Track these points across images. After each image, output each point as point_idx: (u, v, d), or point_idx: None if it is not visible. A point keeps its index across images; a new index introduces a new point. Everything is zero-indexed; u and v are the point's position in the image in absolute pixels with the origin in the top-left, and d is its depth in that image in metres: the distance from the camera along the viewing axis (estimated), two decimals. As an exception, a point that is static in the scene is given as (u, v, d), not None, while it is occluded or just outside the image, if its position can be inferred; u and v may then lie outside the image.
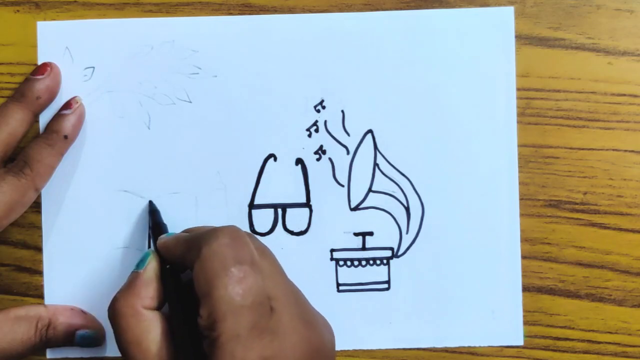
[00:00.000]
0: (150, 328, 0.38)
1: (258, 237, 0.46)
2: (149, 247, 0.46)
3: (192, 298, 0.36)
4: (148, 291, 0.39)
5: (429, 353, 0.46)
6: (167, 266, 0.40)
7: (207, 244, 0.36)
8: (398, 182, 0.46)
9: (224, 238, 0.37)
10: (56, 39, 0.46)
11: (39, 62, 0.45)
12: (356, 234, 0.46)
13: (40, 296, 0.46)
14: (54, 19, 0.46)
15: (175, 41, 0.46)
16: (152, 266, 0.40)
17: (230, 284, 0.35)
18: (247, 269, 0.36)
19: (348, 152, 0.46)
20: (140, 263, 0.40)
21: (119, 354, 0.45)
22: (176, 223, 0.46)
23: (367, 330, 0.46)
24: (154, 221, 0.44)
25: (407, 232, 0.46)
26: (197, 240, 0.37)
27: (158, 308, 0.39)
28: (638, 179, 0.46)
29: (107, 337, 0.45)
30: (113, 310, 0.38)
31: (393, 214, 0.46)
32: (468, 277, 0.46)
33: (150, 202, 0.45)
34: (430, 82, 0.46)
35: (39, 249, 0.46)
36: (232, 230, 0.38)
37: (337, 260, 0.46)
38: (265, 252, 0.39)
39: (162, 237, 0.41)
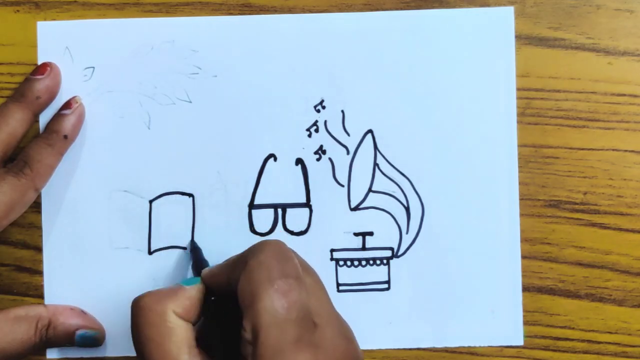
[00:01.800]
0: (175, 332, 0.36)
1: (258, 237, 0.46)
2: (149, 252, 0.46)
3: (233, 328, 0.36)
4: (185, 303, 0.38)
5: (429, 353, 0.46)
6: (213, 298, 0.39)
7: (254, 256, 0.36)
8: (398, 182, 0.46)
9: (270, 251, 0.36)
10: (56, 39, 0.46)
11: (39, 62, 0.45)
12: (356, 234, 0.46)
13: (40, 296, 0.46)
14: (54, 19, 0.46)
15: (175, 41, 0.46)
16: (198, 288, 0.39)
17: (276, 296, 0.35)
18: (293, 282, 0.35)
19: (348, 152, 0.46)
20: (187, 282, 0.39)
21: (119, 354, 0.45)
22: (176, 223, 0.46)
23: (367, 330, 0.46)
24: (196, 258, 0.44)
25: (407, 232, 0.46)
26: (243, 255, 0.37)
27: (189, 321, 0.38)
28: (638, 179, 0.46)
29: (107, 337, 0.45)
30: (139, 303, 0.37)
31: (393, 214, 0.46)
32: (468, 277, 0.46)
33: (193, 241, 0.45)
34: (430, 82, 0.46)
35: (39, 249, 0.46)
36: (278, 243, 0.37)
37: (337, 260, 0.46)
38: (307, 268, 0.38)
39: (207, 269, 0.40)
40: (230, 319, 0.37)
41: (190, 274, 0.45)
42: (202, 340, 0.38)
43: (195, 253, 0.44)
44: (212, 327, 0.38)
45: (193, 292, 0.38)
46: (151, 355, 0.36)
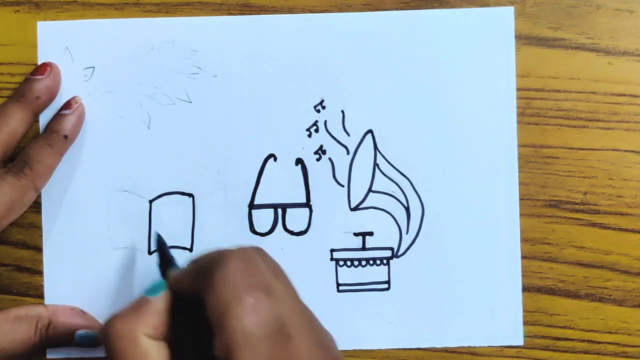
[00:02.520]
0: (147, 356, 0.35)
1: (258, 237, 0.46)
2: (149, 252, 0.46)
3: (203, 331, 0.35)
4: (153, 320, 0.36)
5: (429, 353, 0.46)
6: (179, 302, 0.38)
7: (218, 270, 0.35)
8: (398, 182, 0.46)
9: (235, 263, 0.35)
10: (56, 39, 0.46)
11: (39, 62, 0.45)
12: (356, 234, 0.46)
13: (40, 296, 0.46)
14: (54, 19, 0.46)
15: (175, 41, 0.46)
16: (162, 297, 0.37)
17: (245, 313, 0.34)
18: (262, 296, 0.34)
19: (348, 152, 0.46)
20: (152, 290, 0.38)
21: (119, 354, 0.45)
22: (176, 223, 0.46)
23: (367, 330, 0.46)
24: (162, 254, 0.42)
25: (407, 232, 0.46)
26: (208, 267, 0.36)
27: (160, 339, 0.37)
28: (638, 179, 0.46)
29: (107, 337, 0.45)
30: (110, 330, 0.36)
31: (393, 214, 0.46)
32: (468, 277, 0.46)
33: (158, 235, 0.44)
34: (430, 82, 0.46)
35: (39, 249, 0.46)
36: (243, 253, 0.36)
37: (337, 260, 0.46)
38: (277, 271, 0.38)
39: (174, 273, 0.39)
40: (199, 324, 0.36)
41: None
42: (174, 347, 0.37)
43: (161, 249, 0.43)
44: (182, 334, 0.37)
45: (159, 304, 0.37)
46: None
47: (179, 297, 0.38)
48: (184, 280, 0.38)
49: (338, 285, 0.46)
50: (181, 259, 0.45)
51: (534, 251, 0.46)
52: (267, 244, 0.46)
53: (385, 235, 0.46)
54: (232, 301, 0.34)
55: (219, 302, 0.34)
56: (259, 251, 0.38)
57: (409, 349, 0.46)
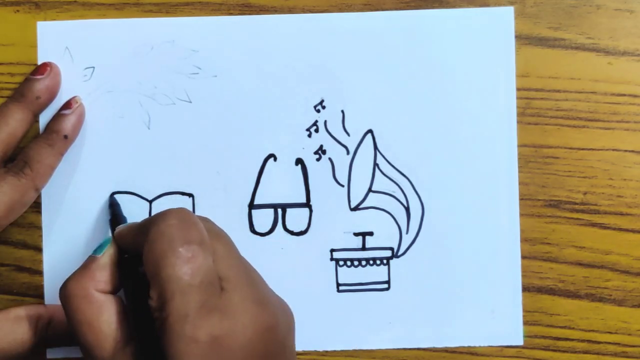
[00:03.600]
0: (102, 310, 0.37)
1: (258, 237, 0.46)
2: (112, 231, 0.46)
3: (146, 286, 0.36)
4: (102, 275, 0.38)
5: (429, 353, 0.46)
6: (126, 255, 0.39)
7: (154, 225, 0.36)
8: (398, 182, 0.46)
9: (172, 219, 0.36)
10: (56, 39, 0.46)
11: (39, 62, 0.45)
12: (356, 234, 0.46)
13: (40, 296, 0.46)
14: (54, 19, 0.46)
15: (175, 41, 0.46)
16: (109, 252, 0.39)
17: (178, 263, 0.35)
18: (196, 248, 0.36)
19: (348, 152, 0.46)
20: (99, 249, 0.39)
21: (119, 354, 0.45)
22: (176, 223, 0.46)
23: (367, 330, 0.46)
24: (113, 213, 0.44)
25: (407, 232, 0.46)
26: (147, 223, 0.37)
27: (112, 292, 0.39)
28: (638, 179, 0.46)
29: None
30: (64, 291, 0.38)
31: (393, 214, 0.46)
32: (468, 277, 0.46)
33: (111, 196, 0.45)
34: (430, 82, 0.46)
35: (39, 249, 0.46)
36: (181, 211, 0.37)
37: (337, 260, 0.46)
38: (220, 234, 0.39)
39: (119, 227, 0.41)
40: (144, 278, 0.37)
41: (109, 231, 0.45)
42: (127, 299, 0.38)
43: (113, 209, 0.44)
44: (129, 286, 0.39)
45: (106, 259, 0.39)
46: (86, 339, 0.37)
47: (127, 253, 0.39)
48: (126, 234, 0.39)
49: (338, 285, 0.46)
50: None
51: (534, 251, 0.46)
52: (267, 244, 0.46)
53: (385, 235, 0.46)
54: (166, 252, 0.35)
55: (154, 254, 0.35)
56: (204, 218, 0.39)
57: (409, 349, 0.46)
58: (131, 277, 0.39)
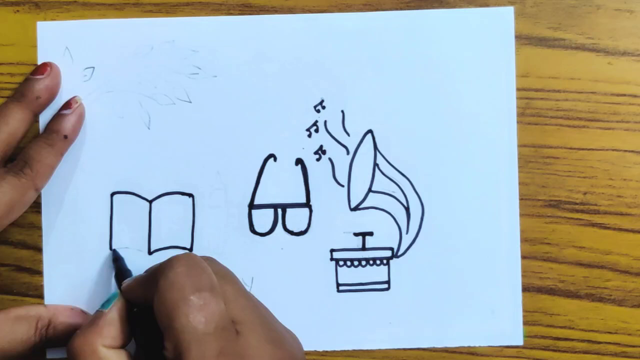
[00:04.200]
0: None
1: (258, 237, 0.46)
2: (149, 252, 0.46)
3: (159, 337, 0.36)
4: (110, 330, 0.38)
5: (429, 353, 0.46)
6: (135, 309, 0.39)
7: (163, 275, 0.36)
8: (398, 182, 0.46)
9: (179, 267, 0.36)
10: (56, 39, 0.46)
11: (39, 62, 0.45)
12: (356, 234, 0.46)
13: (40, 296, 0.46)
14: (54, 19, 0.46)
15: (175, 41, 0.46)
16: (117, 307, 0.39)
17: (191, 312, 0.35)
18: (207, 295, 0.35)
19: (348, 152, 0.46)
20: (106, 303, 0.39)
21: (119, 354, 0.45)
22: (176, 223, 0.46)
23: (367, 330, 0.46)
24: (118, 267, 0.44)
25: (407, 232, 0.46)
26: (154, 274, 0.37)
27: (120, 347, 0.38)
28: (638, 179, 0.46)
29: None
30: (71, 348, 0.37)
31: (393, 214, 0.46)
32: (468, 277, 0.46)
33: (114, 251, 0.45)
34: (430, 82, 0.46)
35: (39, 249, 0.46)
36: (187, 257, 0.37)
37: (337, 261, 0.46)
38: (226, 275, 0.38)
39: (126, 281, 0.41)
40: (156, 329, 0.37)
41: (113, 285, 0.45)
42: (136, 354, 0.38)
43: (117, 263, 0.44)
44: (141, 339, 0.38)
45: (114, 314, 0.38)
46: None
47: (136, 305, 0.39)
48: (135, 288, 0.39)
49: (338, 285, 0.46)
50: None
51: (534, 251, 0.46)
52: (267, 244, 0.46)
53: (385, 235, 0.46)
54: (178, 302, 0.35)
55: (165, 305, 0.35)
56: (207, 258, 0.39)
57: (409, 349, 0.46)
58: (142, 329, 0.38)
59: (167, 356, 0.35)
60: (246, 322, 0.36)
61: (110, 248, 0.45)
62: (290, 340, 0.38)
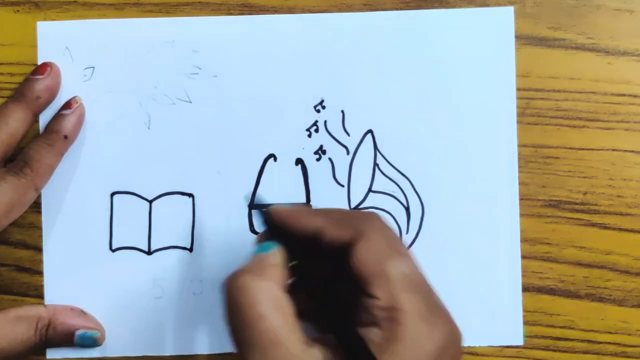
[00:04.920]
0: (283, 306, 0.34)
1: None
2: (149, 252, 0.46)
3: (330, 289, 0.35)
4: (276, 273, 0.35)
5: (429, 353, 0.46)
6: (295, 262, 0.36)
7: (369, 223, 0.36)
8: (398, 182, 0.46)
9: (381, 223, 0.37)
10: (56, 39, 0.46)
11: (39, 62, 0.45)
12: (356, 234, 0.46)
13: (40, 296, 0.46)
14: (54, 19, 0.46)
15: (175, 41, 0.46)
16: (279, 252, 0.36)
17: (405, 264, 0.35)
18: (409, 253, 0.36)
19: (348, 152, 0.46)
20: (262, 247, 0.36)
21: (119, 354, 0.45)
22: (176, 223, 0.46)
23: (367, 330, 0.46)
24: (259, 204, 0.42)
25: (407, 232, 0.46)
26: (352, 219, 0.36)
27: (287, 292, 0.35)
28: (638, 179, 0.46)
29: (107, 337, 0.45)
30: (237, 283, 0.34)
31: (393, 214, 0.46)
32: (468, 277, 0.46)
33: (254, 196, 0.44)
34: (430, 82, 0.46)
35: (39, 249, 0.46)
36: (380, 217, 0.37)
37: (337, 260, 0.46)
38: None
39: (286, 209, 0.38)
40: (317, 277, 0.35)
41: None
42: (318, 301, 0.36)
43: (263, 214, 0.39)
44: (303, 290, 0.36)
45: (277, 259, 0.36)
46: (267, 335, 0.33)
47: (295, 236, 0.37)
48: (305, 218, 0.37)
49: (338, 285, 0.46)
50: (181, 259, 0.46)
51: (534, 251, 0.46)
52: (267, 244, 0.46)
53: (385, 235, 0.46)
54: (390, 253, 0.35)
55: (378, 252, 0.35)
56: None
57: (409, 349, 0.46)
58: (301, 280, 0.36)
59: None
60: (431, 284, 0.37)
61: (111, 248, 0.45)
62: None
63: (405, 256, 0.36)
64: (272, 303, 0.34)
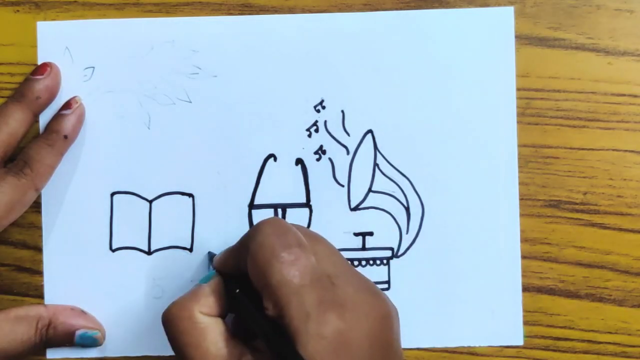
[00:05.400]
0: (207, 331, 0.37)
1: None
2: (149, 252, 0.46)
3: (259, 308, 0.36)
4: (207, 300, 0.38)
5: (428, 353, 0.46)
6: (237, 290, 0.39)
7: (252, 240, 0.37)
8: (398, 182, 0.46)
9: (267, 229, 0.37)
10: (56, 39, 0.46)
11: (39, 62, 0.45)
12: (356, 234, 0.46)
13: (40, 296, 0.46)
14: (54, 19, 0.46)
15: (175, 41, 0.46)
16: (215, 281, 0.39)
17: (284, 268, 0.35)
18: (297, 250, 0.36)
19: (348, 152, 0.46)
20: (204, 279, 0.39)
21: (119, 354, 0.45)
22: (176, 223, 0.46)
23: (367, 330, 0.46)
24: (211, 255, 0.44)
25: (407, 232, 0.46)
26: (244, 242, 0.38)
27: (216, 316, 0.38)
28: (638, 179, 0.46)
29: (107, 337, 0.45)
30: (169, 314, 0.38)
31: (393, 214, 0.46)
32: (468, 277, 0.46)
33: (209, 253, 0.45)
34: (430, 82, 0.46)
35: (39, 249, 0.46)
36: (273, 220, 0.38)
37: (337, 260, 0.46)
38: (317, 237, 0.39)
39: (216, 256, 0.41)
40: (259, 303, 0.37)
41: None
42: (240, 333, 0.38)
43: (210, 254, 0.45)
44: (245, 317, 0.38)
45: (212, 287, 0.39)
46: (193, 359, 0.36)
47: (235, 286, 0.39)
48: (227, 259, 0.40)
49: (338, 285, 0.46)
50: (181, 259, 0.46)
51: (534, 251, 0.46)
52: (267, 244, 0.46)
53: (385, 235, 0.46)
54: (270, 260, 0.36)
55: (258, 266, 0.36)
56: (295, 225, 0.39)
57: (409, 349, 0.46)
58: (245, 307, 0.38)
59: (268, 315, 0.35)
60: (340, 275, 0.37)
61: (111, 248, 0.45)
62: (385, 294, 0.38)
63: (292, 253, 0.36)
64: (198, 329, 0.37)
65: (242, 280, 0.38)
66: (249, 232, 0.38)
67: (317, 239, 0.39)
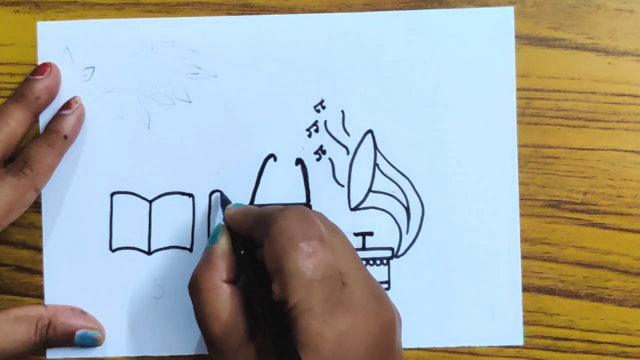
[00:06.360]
0: (228, 301, 0.38)
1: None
2: (149, 252, 0.46)
3: (265, 277, 0.37)
4: (223, 264, 0.39)
5: (429, 353, 0.46)
6: (242, 252, 0.40)
7: (275, 222, 0.37)
8: (398, 182, 0.46)
9: (291, 216, 0.37)
10: (56, 39, 0.46)
11: (39, 62, 0.45)
12: (356, 234, 0.46)
13: (40, 296, 0.46)
14: (54, 19, 0.46)
15: (175, 41, 0.46)
16: (224, 240, 0.40)
17: (300, 259, 0.36)
18: (316, 244, 0.36)
19: (348, 152, 0.46)
20: (212, 238, 0.40)
21: (119, 354, 0.45)
22: (176, 223, 0.46)
23: (367, 330, 0.46)
24: (224, 199, 0.45)
25: (407, 232, 0.46)
26: (266, 218, 0.38)
27: (234, 281, 0.40)
28: (638, 179, 0.46)
29: (107, 337, 0.45)
30: (194, 285, 0.39)
31: (393, 214, 0.46)
32: (468, 277, 0.46)
33: (221, 193, 0.46)
34: (430, 82, 0.46)
35: (39, 249, 0.46)
36: (299, 209, 0.38)
37: (337, 260, 0.46)
38: (336, 230, 0.39)
39: (230, 208, 0.42)
40: (260, 270, 0.38)
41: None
42: (252, 294, 0.39)
43: (222, 194, 0.45)
44: (252, 283, 0.39)
45: (223, 247, 0.40)
46: (214, 332, 0.38)
47: (239, 241, 0.40)
48: (240, 221, 0.41)
49: (338, 285, 0.46)
50: (181, 259, 0.46)
51: (534, 251, 0.46)
52: (267, 244, 0.46)
53: (385, 235, 0.46)
54: (288, 248, 0.36)
55: (276, 250, 0.36)
56: (318, 213, 0.40)
57: (409, 349, 0.46)
58: (249, 263, 0.39)
59: (274, 298, 0.36)
60: (352, 274, 0.37)
61: (111, 248, 0.45)
62: (389, 300, 0.39)
63: (311, 245, 0.36)
64: (221, 300, 0.38)
65: (249, 244, 0.39)
66: (273, 211, 0.38)
67: (335, 232, 0.39)
